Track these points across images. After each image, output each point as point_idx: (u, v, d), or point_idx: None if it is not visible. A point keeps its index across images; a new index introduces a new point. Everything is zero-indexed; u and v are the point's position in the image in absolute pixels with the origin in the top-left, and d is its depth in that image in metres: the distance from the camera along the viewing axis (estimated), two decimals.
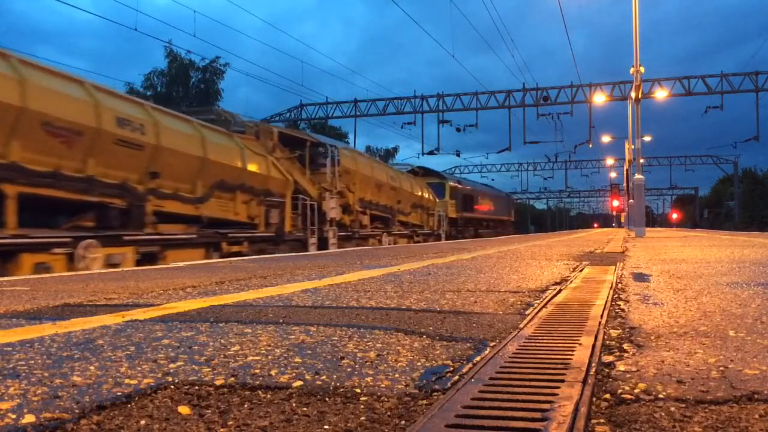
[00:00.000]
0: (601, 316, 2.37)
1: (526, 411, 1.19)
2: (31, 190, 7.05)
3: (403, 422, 1.17)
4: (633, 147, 19.43)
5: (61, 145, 7.47)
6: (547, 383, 1.38)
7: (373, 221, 17.75)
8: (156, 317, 2.50)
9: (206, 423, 1.17)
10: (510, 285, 3.69)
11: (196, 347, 1.86)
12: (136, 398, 1.33)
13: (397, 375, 1.51)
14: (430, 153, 36.24)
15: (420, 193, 22.74)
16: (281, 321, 2.38)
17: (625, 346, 1.83)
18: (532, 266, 5.35)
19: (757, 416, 1.17)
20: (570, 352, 1.71)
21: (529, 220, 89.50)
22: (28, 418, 1.18)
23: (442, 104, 33.98)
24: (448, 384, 1.41)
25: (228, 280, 4.36)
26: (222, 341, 1.96)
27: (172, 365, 1.63)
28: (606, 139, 40.69)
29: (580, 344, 1.82)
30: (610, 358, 1.67)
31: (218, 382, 1.45)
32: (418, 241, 20.82)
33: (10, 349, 1.87)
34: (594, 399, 1.29)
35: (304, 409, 1.25)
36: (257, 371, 1.55)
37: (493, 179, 69.19)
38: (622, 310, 2.61)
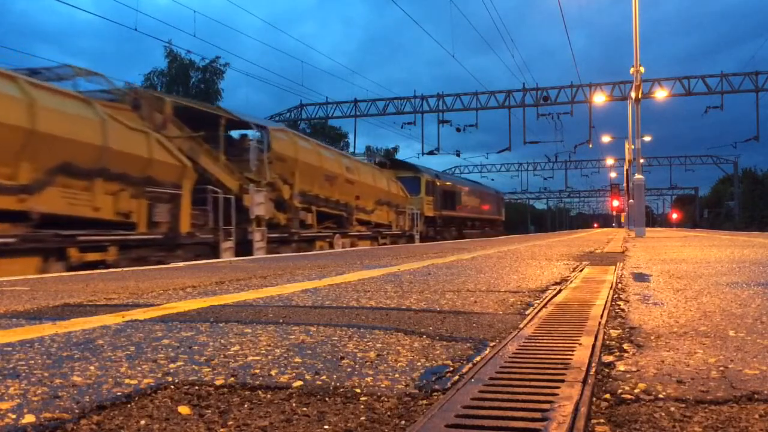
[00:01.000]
0: (601, 316, 2.37)
1: (526, 411, 1.19)
2: None
3: (403, 422, 1.17)
4: (633, 147, 19.43)
5: None
6: (547, 383, 1.38)
7: (322, 220, 14.89)
8: (156, 317, 2.50)
9: (206, 423, 1.17)
10: (510, 285, 3.69)
11: (196, 347, 1.86)
12: (136, 398, 1.33)
13: (397, 375, 1.51)
14: (430, 153, 36.24)
15: (387, 188, 19.36)
16: (281, 321, 2.38)
17: (625, 346, 1.83)
18: (532, 266, 5.35)
19: (757, 416, 1.16)
20: (570, 352, 1.71)
21: (529, 220, 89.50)
22: (28, 418, 1.18)
23: (442, 104, 34.01)
24: (448, 384, 1.41)
25: (228, 280, 4.36)
26: (222, 341, 1.96)
27: (172, 365, 1.63)
28: (606, 139, 40.71)
29: (580, 344, 1.82)
30: (610, 358, 1.67)
31: (218, 382, 1.45)
32: (384, 244, 17.81)
33: (10, 349, 1.87)
34: (594, 399, 1.29)
35: (304, 409, 1.25)
36: (257, 371, 1.55)
37: (493, 179, 69.21)
38: (622, 310, 2.61)
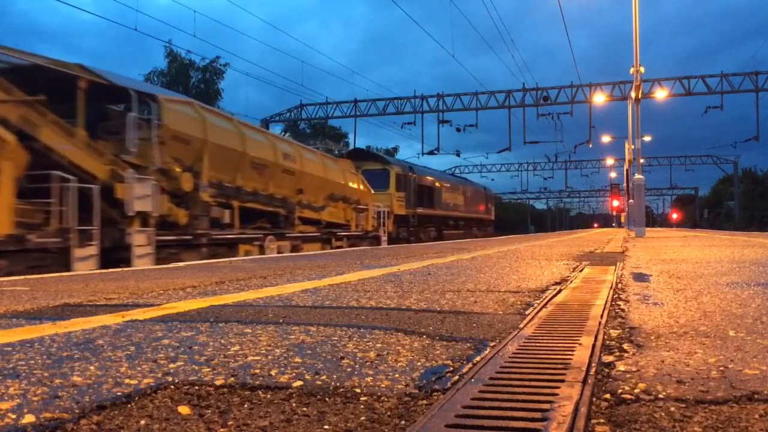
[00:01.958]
0: (601, 316, 2.37)
1: (526, 411, 1.19)
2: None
3: (403, 422, 1.17)
4: (633, 147, 19.43)
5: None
6: (547, 383, 1.38)
7: (251, 219, 12.20)
8: (156, 317, 2.50)
9: (206, 423, 1.17)
10: (510, 285, 3.69)
11: (196, 347, 1.86)
12: (136, 398, 1.33)
13: (397, 375, 1.51)
14: (430, 153, 36.22)
15: (343, 181, 16.27)
16: (281, 321, 2.38)
17: (625, 346, 1.83)
18: (532, 266, 5.35)
19: (757, 416, 1.16)
20: (570, 352, 1.71)
21: (529, 220, 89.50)
22: (28, 418, 1.18)
23: (442, 104, 33.98)
24: (448, 384, 1.41)
25: (228, 280, 4.36)
26: (222, 341, 1.96)
27: (172, 365, 1.63)
28: (606, 139, 40.71)
29: (580, 344, 1.82)
30: (610, 358, 1.67)
31: (218, 382, 1.45)
32: (339, 247, 15.18)
33: (10, 349, 1.87)
34: (594, 399, 1.29)
35: (304, 409, 1.25)
36: (257, 371, 1.55)
37: (493, 179, 69.31)
38: (622, 310, 2.61)
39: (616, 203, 47.22)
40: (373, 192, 18.93)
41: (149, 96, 9.55)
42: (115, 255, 8.63)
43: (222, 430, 1.13)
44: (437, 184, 27.65)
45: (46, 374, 1.54)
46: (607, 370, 1.53)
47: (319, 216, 14.90)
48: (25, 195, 7.59)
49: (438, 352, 1.77)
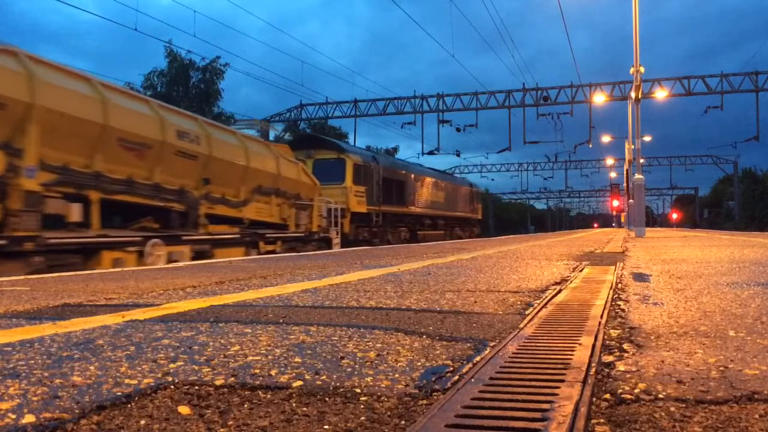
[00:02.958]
0: (601, 316, 2.37)
1: (526, 411, 1.19)
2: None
3: (403, 422, 1.17)
4: (633, 147, 19.44)
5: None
6: (547, 383, 1.38)
7: (131, 217, 9.40)
8: (156, 317, 2.50)
9: (206, 423, 1.17)
10: (510, 285, 3.69)
11: (196, 347, 1.86)
12: (136, 398, 1.33)
13: (397, 375, 1.51)
14: (430, 153, 36.22)
15: (275, 171, 12.78)
16: (281, 321, 2.38)
17: (625, 346, 1.83)
18: (532, 266, 5.35)
19: (757, 416, 1.16)
20: (570, 352, 1.71)
21: (529, 220, 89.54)
22: (28, 418, 1.18)
23: (442, 104, 33.98)
24: (448, 384, 1.41)
25: (228, 280, 4.36)
26: (222, 341, 1.96)
27: (172, 365, 1.63)
28: (606, 139, 40.73)
29: (580, 344, 1.82)
30: (610, 358, 1.67)
31: (218, 382, 1.45)
32: (272, 252, 11.96)
33: (10, 349, 1.87)
34: (594, 399, 1.29)
35: (304, 409, 1.25)
36: (257, 371, 1.55)
37: (493, 179, 69.28)
38: (622, 310, 2.61)
39: (616, 203, 47.25)
40: (322, 185, 15.78)
41: None
42: None
43: (222, 430, 1.13)
44: (410, 177, 23.77)
45: (46, 374, 1.54)
46: (607, 370, 1.53)
47: (239, 213, 11.60)
48: None
49: (438, 352, 1.77)
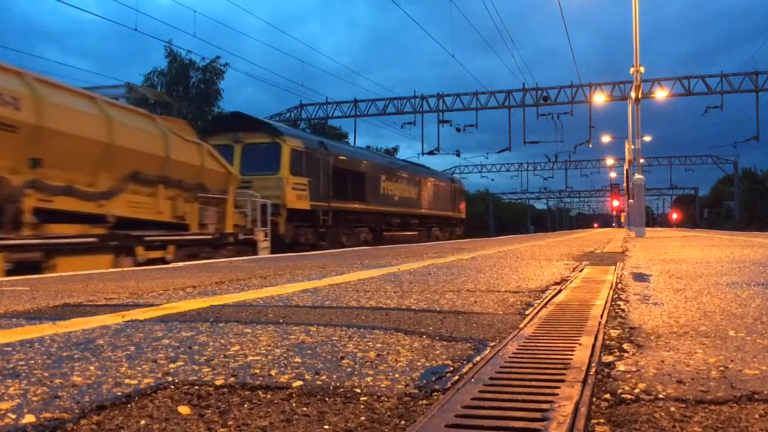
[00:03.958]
0: (601, 316, 2.37)
1: (526, 411, 1.19)
2: None
3: (403, 422, 1.17)
4: (633, 147, 19.44)
5: None
6: (547, 383, 1.38)
7: None
8: (156, 317, 2.50)
9: (206, 423, 1.17)
10: (510, 285, 3.69)
11: (196, 347, 1.86)
12: (136, 398, 1.33)
13: (397, 375, 1.51)
14: (430, 153, 36.23)
15: (163, 152, 9.48)
16: (281, 321, 2.38)
17: (625, 346, 1.83)
18: (532, 266, 5.35)
19: (757, 416, 1.16)
20: (570, 352, 1.71)
21: (529, 220, 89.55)
22: (28, 418, 1.18)
23: (442, 104, 34.01)
24: (448, 384, 1.41)
25: (228, 280, 4.36)
26: (222, 341, 1.96)
27: (172, 365, 1.63)
28: (606, 139, 40.74)
29: (580, 344, 1.82)
30: (610, 358, 1.67)
31: (218, 382, 1.45)
32: (160, 261, 8.90)
33: (10, 349, 1.87)
34: (594, 399, 1.29)
35: (304, 409, 1.25)
36: (257, 371, 1.55)
37: (493, 179, 69.28)
38: (622, 310, 2.61)
39: (616, 203, 47.24)
40: (253, 176, 13.73)
41: None
42: None
43: (222, 430, 1.13)
44: (373, 169, 20.01)
45: (46, 374, 1.54)
46: (607, 370, 1.53)
47: (100, 209, 8.44)
48: None
49: (438, 352, 1.77)
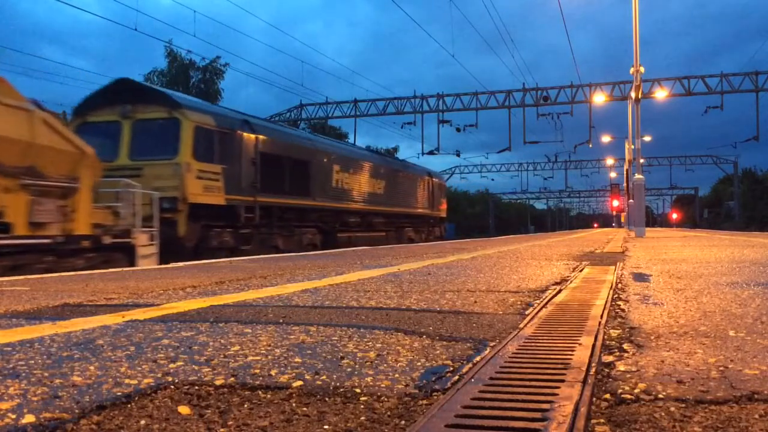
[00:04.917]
0: (601, 316, 2.37)
1: (526, 411, 1.19)
2: None
3: (403, 422, 1.17)
4: (633, 147, 19.44)
5: None
6: (547, 383, 1.38)
7: None
8: (156, 317, 2.50)
9: (206, 423, 1.17)
10: (510, 285, 3.69)
11: (196, 347, 1.86)
12: (136, 398, 1.33)
13: (397, 375, 1.51)
14: (430, 153, 36.22)
15: None
16: (281, 321, 2.38)
17: (625, 346, 1.83)
18: (532, 266, 5.35)
19: (757, 416, 1.16)
20: (570, 352, 1.71)
21: (529, 220, 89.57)
22: (28, 418, 1.18)
23: (442, 104, 34.00)
24: (448, 384, 1.41)
25: (228, 280, 4.36)
26: (222, 341, 1.96)
27: (172, 365, 1.63)
28: (606, 139, 40.74)
29: (580, 344, 1.82)
30: (610, 358, 1.67)
31: (218, 382, 1.45)
32: None
33: (10, 349, 1.87)
34: (594, 399, 1.29)
35: (304, 409, 1.25)
36: (257, 371, 1.55)
37: (493, 179, 69.22)
38: (622, 310, 2.61)
39: (616, 203, 47.26)
40: (145, 161, 11.06)
41: None
42: None
43: (222, 430, 1.13)
44: (320, 157, 16.25)
45: (46, 374, 1.54)
46: (607, 370, 1.53)
47: None
48: None
49: (438, 352, 1.77)
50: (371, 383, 1.43)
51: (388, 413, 1.22)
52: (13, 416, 1.19)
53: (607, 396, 1.31)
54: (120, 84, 12.26)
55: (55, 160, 8.04)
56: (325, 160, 16.56)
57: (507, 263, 5.81)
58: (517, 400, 1.25)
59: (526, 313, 2.52)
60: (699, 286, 3.46)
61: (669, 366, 1.56)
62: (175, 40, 43.00)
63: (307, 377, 1.49)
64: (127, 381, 1.46)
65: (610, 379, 1.45)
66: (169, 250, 10.17)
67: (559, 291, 3.32)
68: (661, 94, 29.96)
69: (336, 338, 2.00)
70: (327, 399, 1.32)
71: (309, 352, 1.79)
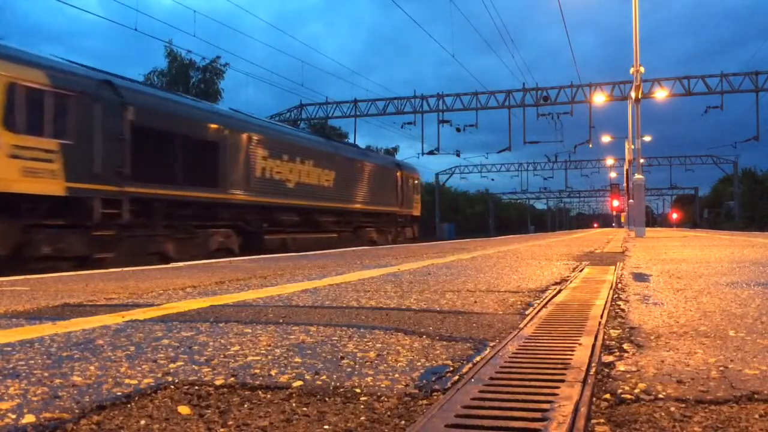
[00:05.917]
0: (601, 316, 2.37)
1: (526, 411, 1.19)
2: None
3: (403, 422, 1.17)
4: (633, 147, 19.44)
5: None
6: (547, 383, 1.38)
7: None
8: (156, 317, 2.50)
9: (206, 423, 1.17)
10: (510, 285, 3.69)
11: (196, 347, 1.86)
12: (136, 398, 1.33)
13: (397, 375, 1.51)
14: (430, 153, 36.22)
15: None
16: (281, 321, 2.38)
17: (625, 346, 1.83)
18: (532, 266, 5.35)
19: (757, 416, 1.16)
20: (570, 352, 1.71)
21: (529, 220, 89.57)
22: (28, 418, 1.18)
23: (442, 104, 33.99)
24: (448, 384, 1.41)
25: (228, 280, 4.36)
26: (222, 341, 1.96)
27: (172, 365, 1.63)
28: (606, 139, 40.71)
29: (580, 344, 1.82)
30: (610, 358, 1.67)
31: (218, 382, 1.45)
32: None
33: (10, 349, 1.87)
34: (594, 399, 1.29)
35: (304, 409, 1.25)
36: (257, 371, 1.55)
37: (493, 179, 69.14)
38: (622, 310, 2.61)
39: (616, 203, 47.23)
40: None
41: None
42: None
43: (222, 430, 1.13)
44: (235, 137, 12.94)
45: (46, 374, 1.54)
46: (607, 370, 1.53)
47: None
48: None
49: (438, 352, 1.77)
50: (371, 383, 1.43)
51: (388, 413, 1.22)
52: (13, 416, 1.19)
53: (607, 396, 1.31)
54: None
55: None
56: (244, 142, 13.16)
57: (507, 263, 5.81)
58: (517, 400, 1.25)
59: (526, 313, 2.52)
60: (699, 286, 3.46)
61: (669, 366, 1.56)
62: (175, 40, 42.92)
63: (307, 377, 1.49)
64: (127, 381, 1.46)
65: (610, 379, 1.45)
66: None
67: (559, 291, 3.32)
68: (661, 94, 29.95)
69: (336, 338, 2.00)
70: (327, 399, 1.32)
71: (309, 352, 1.79)
